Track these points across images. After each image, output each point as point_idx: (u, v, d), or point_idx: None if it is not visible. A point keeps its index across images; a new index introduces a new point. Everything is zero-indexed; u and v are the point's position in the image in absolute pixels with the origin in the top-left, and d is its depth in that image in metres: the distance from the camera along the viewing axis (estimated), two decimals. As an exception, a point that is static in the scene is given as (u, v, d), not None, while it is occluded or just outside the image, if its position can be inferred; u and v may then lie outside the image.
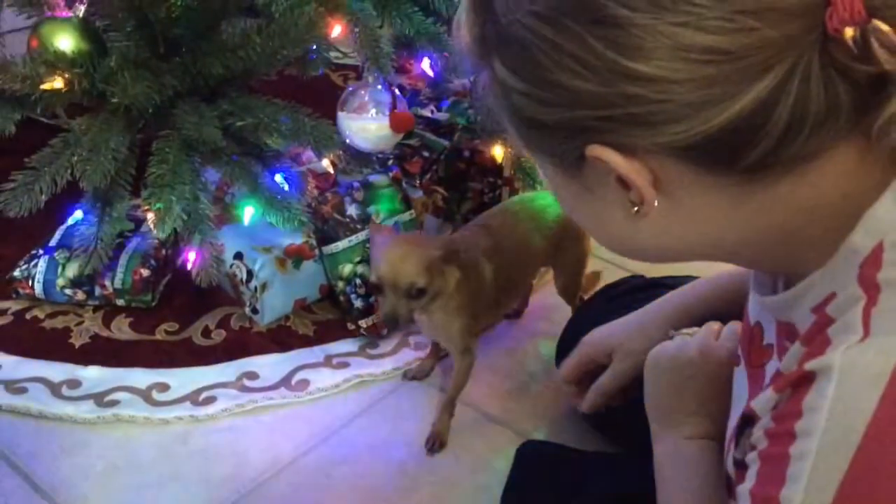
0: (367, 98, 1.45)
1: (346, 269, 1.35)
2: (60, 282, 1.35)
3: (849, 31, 0.45)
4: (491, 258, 1.16)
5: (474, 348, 1.18)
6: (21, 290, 1.37)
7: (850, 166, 0.50)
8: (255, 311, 1.35)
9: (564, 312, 1.23)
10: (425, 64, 1.50)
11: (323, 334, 1.35)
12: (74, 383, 1.25)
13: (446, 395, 1.20)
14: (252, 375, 1.28)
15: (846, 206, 0.51)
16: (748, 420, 0.57)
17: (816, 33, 0.45)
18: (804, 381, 0.51)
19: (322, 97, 1.46)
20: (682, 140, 0.48)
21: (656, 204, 0.52)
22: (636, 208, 0.53)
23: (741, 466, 0.57)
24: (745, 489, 0.54)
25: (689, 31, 0.45)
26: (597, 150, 0.50)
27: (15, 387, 1.24)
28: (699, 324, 0.83)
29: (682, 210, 0.53)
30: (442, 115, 1.65)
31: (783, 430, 0.51)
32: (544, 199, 1.25)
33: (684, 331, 0.85)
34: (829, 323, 0.52)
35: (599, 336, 1.00)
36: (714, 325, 0.81)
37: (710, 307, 0.92)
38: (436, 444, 1.16)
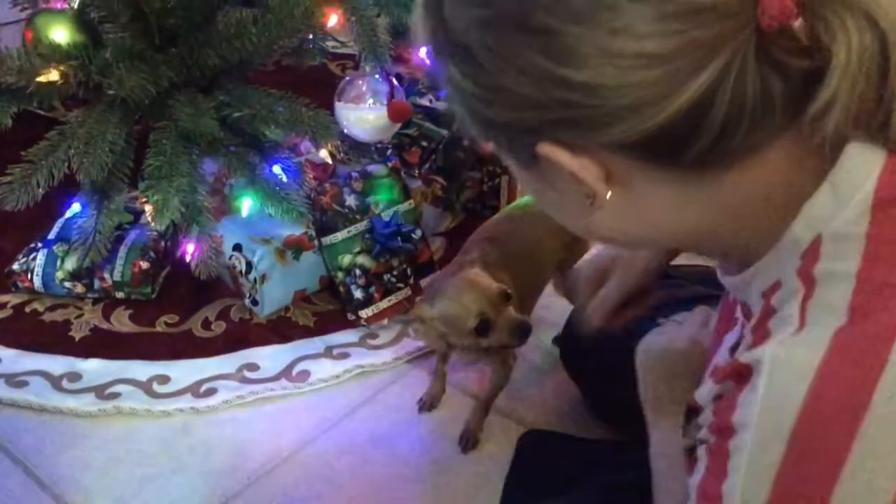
0: (364, 88, 1.44)
1: (346, 259, 1.34)
2: (60, 275, 1.35)
3: (795, 24, 0.46)
4: (506, 269, 1.15)
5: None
6: (20, 284, 1.37)
7: (790, 158, 0.52)
8: (254, 302, 1.35)
9: (566, 304, 1.23)
10: (423, 53, 1.49)
11: (323, 325, 1.35)
12: (75, 376, 1.25)
13: (484, 396, 1.19)
14: (252, 367, 1.27)
15: (790, 196, 0.52)
16: (692, 411, 0.59)
17: (749, 30, 0.47)
18: (740, 373, 0.52)
19: (319, 87, 1.45)
20: (623, 139, 0.50)
21: (609, 196, 0.54)
22: (590, 201, 0.55)
23: (690, 456, 0.58)
24: (692, 483, 0.56)
25: (619, 38, 0.47)
26: (546, 149, 0.52)
27: (15, 380, 1.24)
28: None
29: (635, 201, 0.55)
30: (440, 105, 1.64)
31: (723, 425, 0.53)
32: None
33: (674, 317, 0.85)
34: (772, 314, 0.54)
35: (605, 252, 0.97)
36: (702, 313, 0.81)
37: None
38: (469, 442, 1.15)
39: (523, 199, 1.34)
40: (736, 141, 0.50)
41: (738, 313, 0.63)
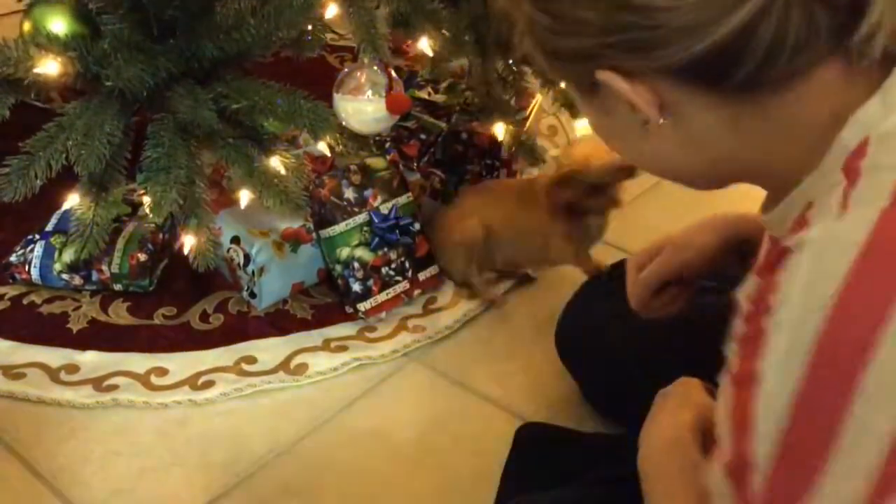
0: (363, 80, 1.43)
1: (344, 252, 1.34)
2: (57, 267, 1.35)
3: None
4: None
5: None
6: (18, 276, 1.37)
7: (834, 85, 0.54)
8: (252, 295, 1.35)
9: (565, 293, 1.23)
10: (422, 44, 1.48)
11: (321, 318, 1.35)
12: (73, 368, 1.25)
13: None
14: (250, 360, 1.27)
15: (838, 117, 0.54)
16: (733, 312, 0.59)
17: None
18: (782, 257, 0.53)
19: (318, 79, 1.45)
20: (675, 62, 0.53)
21: (661, 122, 0.58)
22: (645, 127, 0.59)
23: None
24: (725, 377, 0.56)
25: None
26: (604, 75, 0.56)
27: (13, 372, 1.24)
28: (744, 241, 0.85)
29: (687, 128, 0.58)
30: (439, 97, 1.63)
31: (761, 308, 0.54)
32: None
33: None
34: (809, 208, 0.55)
35: (662, 238, 0.98)
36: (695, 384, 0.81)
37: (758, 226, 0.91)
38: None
39: None
40: (780, 66, 0.52)
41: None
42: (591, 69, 0.57)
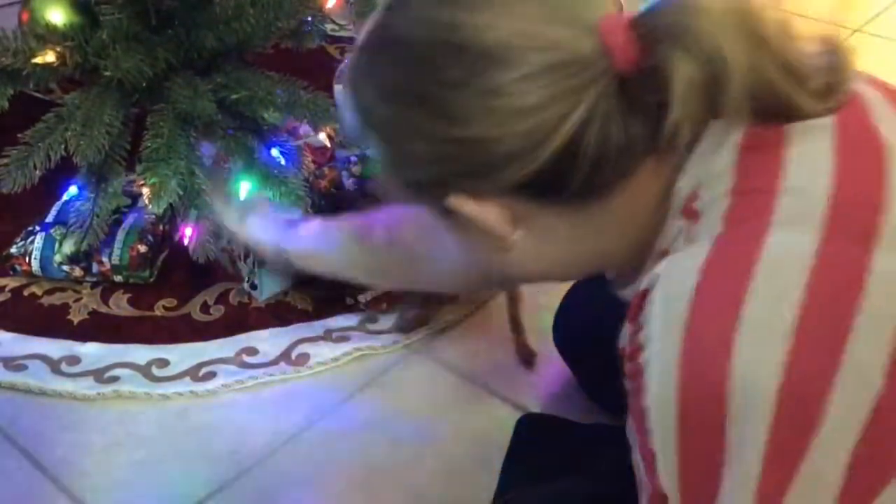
0: (363, 70, 1.43)
1: (345, 243, 1.34)
2: (58, 258, 1.34)
3: (641, 62, 0.55)
4: None
5: None
6: (18, 267, 1.37)
7: (659, 171, 0.60)
8: (253, 286, 1.35)
9: (563, 286, 1.22)
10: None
11: (322, 309, 1.35)
12: (74, 360, 1.25)
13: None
14: (251, 351, 1.27)
15: (667, 194, 0.60)
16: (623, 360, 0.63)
17: (608, 76, 0.55)
18: (643, 298, 0.57)
19: (318, 70, 1.44)
20: (513, 182, 0.59)
21: (516, 237, 0.63)
22: (501, 243, 0.64)
23: None
24: (628, 417, 0.60)
25: (491, 97, 0.56)
26: (454, 201, 0.61)
27: (14, 364, 1.24)
28: None
29: (540, 238, 0.64)
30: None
31: (635, 347, 0.57)
32: None
33: None
34: (663, 256, 0.60)
35: None
36: None
37: None
38: (528, 357, 1.25)
39: None
40: (608, 172, 0.58)
41: None
42: (441, 196, 0.62)
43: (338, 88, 1.44)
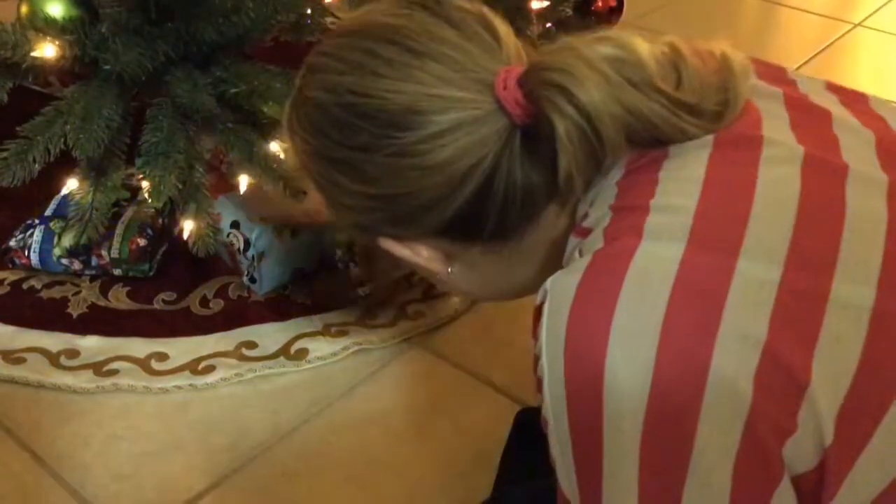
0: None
1: (345, 236, 1.34)
2: (57, 251, 1.34)
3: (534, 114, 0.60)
4: None
5: None
6: (17, 260, 1.37)
7: (567, 208, 0.66)
8: (252, 280, 1.35)
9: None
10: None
11: (321, 303, 1.35)
12: (73, 353, 1.25)
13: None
14: (251, 345, 1.27)
15: (572, 226, 0.65)
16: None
17: (507, 129, 0.60)
18: (537, 313, 0.61)
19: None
20: (432, 228, 0.64)
21: (450, 270, 0.70)
22: (441, 275, 0.70)
23: None
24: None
25: (399, 158, 0.60)
26: (384, 242, 0.68)
27: (13, 357, 1.24)
28: None
29: (473, 270, 0.70)
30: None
31: (535, 359, 0.61)
32: None
33: None
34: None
35: None
36: None
37: None
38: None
39: None
40: (516, 216, 0.64)
41: None
42: (374, 236, 0.68)
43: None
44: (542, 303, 0.60)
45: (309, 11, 1.30)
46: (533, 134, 0.61)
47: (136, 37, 1.17)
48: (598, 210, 0.62)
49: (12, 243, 1.36)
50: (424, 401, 1.19)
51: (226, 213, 1.34)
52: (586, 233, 0.62)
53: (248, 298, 1.35)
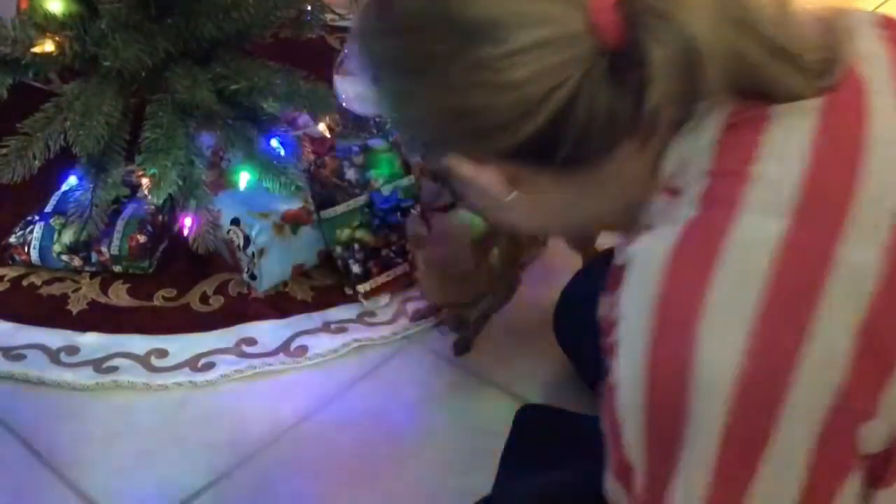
0: (363, 61, 1.43)
1: (345, 233, 1.34)
2: (57, 248, 1.34)
3: (626, 38, 0.56)
4: None
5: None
6: (17, 257, 1.37)
7: (645, 146, 0.61)
8: (253, 276, 1.35)
9: (563, 278, 1.23)
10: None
11: (321, 300, 1.35)
12: (73, 350, 1.25)
13: (485, 307, 1.24)
14: (251, 341, 1.27)
15: (654, 168, 0.61)
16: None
17: (595, 52, 0.56)
18: (618, 274, 0.59)
19: (317, 60, 1.44)
20: (502, 148, 0.60)
21: (512, 197, 0.65)
22: (499, 200, 0.65)
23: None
24: (602, 388, 0.62)
25: (482, 71, 0.57)
26: (452, 161, 0.64)
27: (13, 353, 1.24)
28: None
29: (536, 199, 0.66)
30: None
31: (609, 323, 0.60)
32: None
33: None
34: (645, 231, 0.62)
35: None
36: None
37: None
38: (463, 347, 1.24)
39: None
40: (593, 146, 0.59)
41: None
42: (440, 155, 0.65)
43: (337, 79, 1.43)
44: (623, 265, 0.58)
45: (309, 8, 1.30)
46: (622, 61, 0.57)
47: (135, 33, 1.17)
48: (693, 170, 0.59)
49: (12, 240, 1.36)
50: (424, 398, 1.19)
51: (226, 210, 1.34)
52: (676, 193, 0.60)
53: (248, 295, 1.35)
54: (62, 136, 1.15)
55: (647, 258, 0.57)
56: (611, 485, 0.64)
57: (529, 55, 0.56)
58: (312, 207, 1.34)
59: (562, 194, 0.65)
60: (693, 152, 0.59)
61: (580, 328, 1.14)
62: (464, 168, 0.64)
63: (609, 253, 1.24)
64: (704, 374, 0.53)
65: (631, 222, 0.65)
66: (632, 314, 0.57)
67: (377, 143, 1.40)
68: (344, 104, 1.43)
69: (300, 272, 1.38)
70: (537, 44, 0.56)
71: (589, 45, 0.56)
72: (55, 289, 1.35)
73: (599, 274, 1.17)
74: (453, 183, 0.70)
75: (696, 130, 0.59)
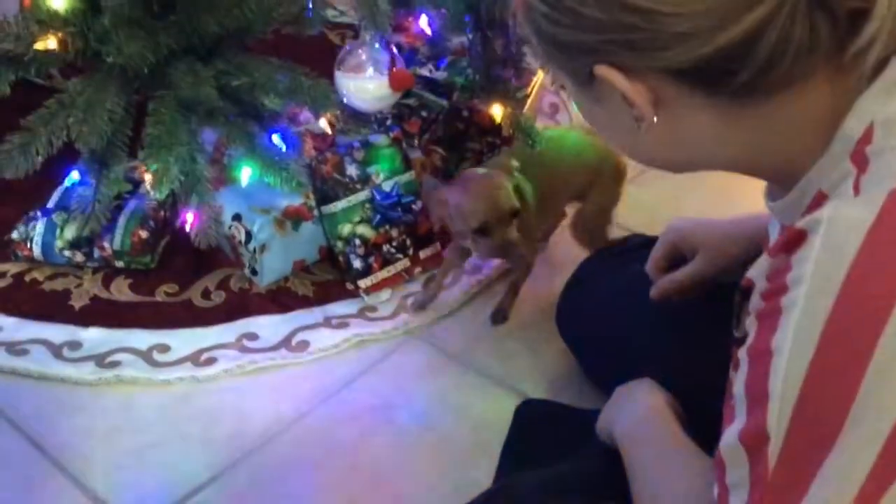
0: (364, 57, 1.43)
1: (346, 229, 1.34)
2: (59, 243, 1.35)
3: None
4: (530, 180, 1.26)
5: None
6: (20, 252, 1.37)
7: (833, 86, 0.55)
8: (254, 272, 1.35)
9: (564, 272, 1.23)
10: (423, 22, 1.48)
11: (322, 295, 1.35)
12: (75, 345, 1.26)
13: (512, 280, 1.31)
14: (252, 336, 1.28)
15: (835, 115, 0.56)
16: (746, 292, 0.60)
17: None
18: (796, 239, 0.55)
19: (319, 56, 1.44)
20: (675, 64, 0.54)
21: (656, 120, 0.59)
22: (638, 123, 0.59)
23: (741, 343, 0.60)
24: (743, 351, 0.58)
25: None
26: (602, 70, 0.57)
27: (16, 348, 1.25)
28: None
29: (682, 126, 0.59)
30: (440, 74, 1.63)
31: (777, 286, 0.55)
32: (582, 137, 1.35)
33: None
34: (823, 199, 0.57)
35: (687, 228, 1.02)
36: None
37: None
38: (500, 316, 1.30)
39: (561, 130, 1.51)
40: (778, 74, 0.54)
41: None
42: (589, 62, 0.58)
43: (338, 74, 1.44)
44: (808, 232, 0.54)
45: (310, 4, 1.30)
46: None
47: (138, 29, 1.17)
48: (888, 138, 0.54)
49: (14, 235, 1.37)
50: (425, 393, 1.20)
51: (227, 205, 1.34)
52: (865, 162, 0.54)
53: (250, 290, 1.36)
54: (65, 132, 1.15)
55: (840, 227, 0.52)
56: (731, 446, 0.58)
57: None
58: (313, 203, 1.35)
59: (715, 126, 0.59)
60: (887, 118, 0.54)
61: (583, 321, 1.15)
62: (615, 80, 0.57)
63: (613, 244, 1.25)
64: (889, 358, 0.50)
65: (787, 173, 0.61)
66: (815, 283, 0.52)
67: (378, 139, 1.40)
68: (345, 100, 1.44)
69: (301, 267, 1.39)
70: None
71: None
72: (58, 284, 1.36)
73: (604, 266, 1.17)
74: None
75: (889, 93, 0.54)
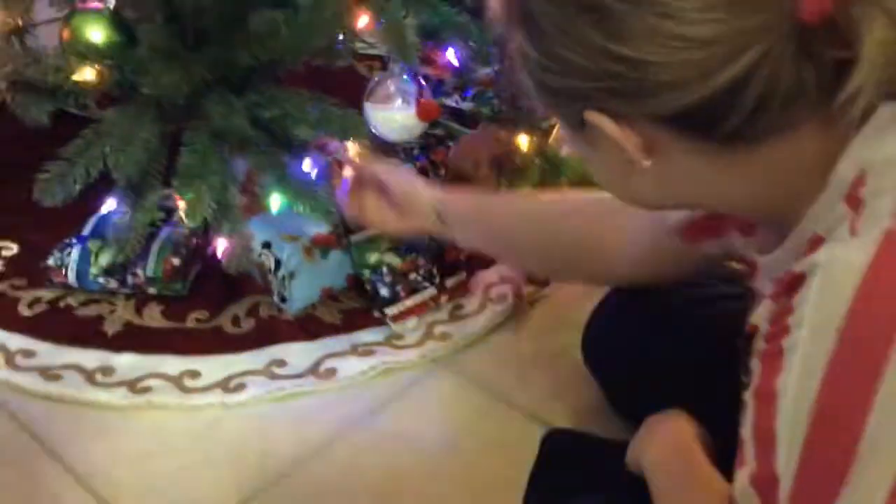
0: (393, 88, 1.45)
1: (373, 257, 1.36)
2: (94, 270, 1.37)
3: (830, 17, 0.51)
4: None
5: None
6: (55, 279, 1.40)
7: (821, 134, 0.56)
8: (283, 299, 1.37)
9: (590, 302, 1.23)
10: (450, 54, 1.50)
11: (349, 323, 1.36)
12: (108, 370, 1.28)
13: None
14: (280, 363, 1.29)
15: (825, 163, 0.57)
16: (750, 337, 0.61)
17: (788, 22, 0.51)
18: (796, 281, 0.56)
19: (348, 87, 1.47)
20: (662, 111, 0.56)
21: (648, 164, 0.60)
22: (630, 167, 0.60)
23: (747, 387, 0.60)
24: (748, 393, 0.58)
25: (666, 21, 0.52)
26: (592, 116, 0.58)
27: (50, 373, 1.27)
28: None
29: (674, 170, 0.61)
30: (466, 105, 1.65)
31: (779, 328, 0.56)
32: None
33: None
34: (819, 242, 0.57)
35: None
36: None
37: None
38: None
39: None
40: (766, 121, 0.55)
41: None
42: (579, 108, 0.59)
43: (368, 105, 1.46)
44: (806, 275, 0.55)
45: (341, 37, 1.33)
46: (818, 34, 0.52)
47: (173, 61, 1.20)
48: (881, 180, 0.54)
49: (50, 262, 1.39)
50: (451, 421, 1.20)
51: (257, 234, 1.36)
52: (860, 204, 0.55)
53: (279, 317, 1.37)
54: (101, 162, 1.18)
55: (838, 269, 0.53)
56: (743, 488, 0.59)
57: (720, 12, 0.52)
58: (342, 231, 1.36)
59: (705, 171, 0.60)
60: (879, 161, 0.55)
61: (609, 351, 1.15)
62: (605, 125, 0.58)
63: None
64: (891, 397, 0.51)
65: (780, 217, 0.61)
66: (814, 325, 0.53)
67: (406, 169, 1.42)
68: (374, 130, 1.46)
69: (328, 295, 1.40)
70: (731, 1, 0.52)
71: (785, 12, 0.51)
72: (91, 310, 1.38)
73: (636, 301, 1.17)
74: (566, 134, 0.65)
75: (879, 137, 0.55)
